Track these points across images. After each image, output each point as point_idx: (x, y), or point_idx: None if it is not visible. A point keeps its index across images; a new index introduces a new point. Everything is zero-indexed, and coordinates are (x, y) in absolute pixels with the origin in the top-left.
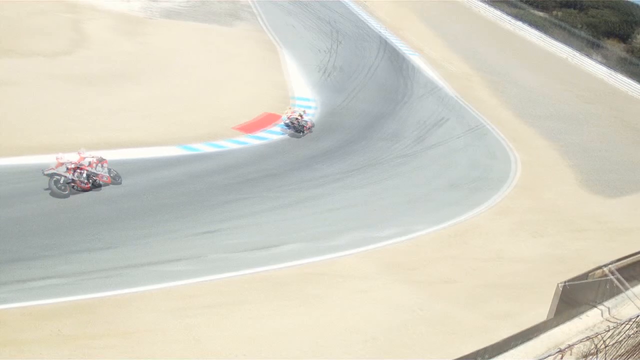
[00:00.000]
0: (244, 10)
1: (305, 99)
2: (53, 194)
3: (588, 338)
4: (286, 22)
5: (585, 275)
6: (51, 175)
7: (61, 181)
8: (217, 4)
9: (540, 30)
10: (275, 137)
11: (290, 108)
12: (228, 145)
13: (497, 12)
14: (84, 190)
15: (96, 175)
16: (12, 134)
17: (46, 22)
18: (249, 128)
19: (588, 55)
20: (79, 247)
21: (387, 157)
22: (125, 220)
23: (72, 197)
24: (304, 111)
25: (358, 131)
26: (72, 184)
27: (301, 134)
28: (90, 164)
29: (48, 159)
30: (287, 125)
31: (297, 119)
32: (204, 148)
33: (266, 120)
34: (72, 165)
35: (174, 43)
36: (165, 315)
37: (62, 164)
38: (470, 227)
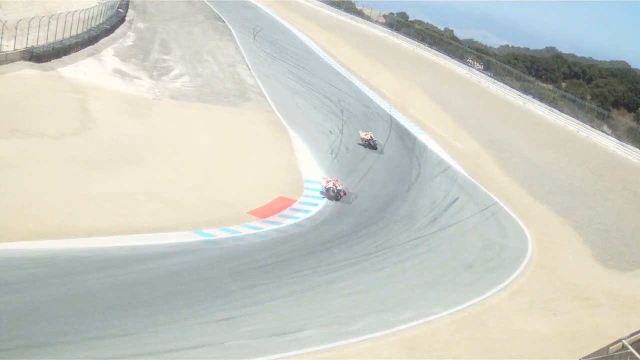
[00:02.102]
0: (251, 91)
1: (317, 181)
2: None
3: None
4: (293, 101)
5: (606, 350)
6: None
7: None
8: (224, 85)
9: (548, 104)
10: (289, 222)
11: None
12: (242, 230)
13: (505, 86)
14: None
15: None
16: (21, 217)
17: (52, 102)
18: (263, 213)
19: (597, 127)
20: (96, 333)
21: (402, 239)
22: (141, 306)
23: (85, 283)
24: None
25: (371, 214)
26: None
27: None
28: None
29: (59, 244)
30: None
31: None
32: (218, 233)
33: (280, 205)
34: None
35: (181, 124)
36: None
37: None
38: (486, 307)
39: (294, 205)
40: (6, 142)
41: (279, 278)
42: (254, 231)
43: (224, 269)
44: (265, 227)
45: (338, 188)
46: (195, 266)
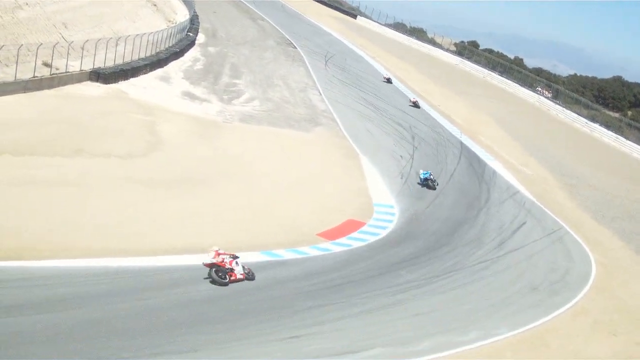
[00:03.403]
0: (322, 115)
1: (387, 205)
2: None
3: None
4: (364, 126)
5: None
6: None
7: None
8: (294, 109)
9: (614, 131)
10: (358, 244)
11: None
12: (311, 252)
13: (572, 115)
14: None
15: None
16: (85, 235)
17: (119, 123)
18: (332, 234)
19: None
20: (159, 349)
21: (469, 262)
22: (207, 324)
23: (150, 300)
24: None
25: (440, 237)
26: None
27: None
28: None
29: (124, 262)
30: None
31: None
32: (287, 254)
33: (349, 227)
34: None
35: (251, 147)
36: None
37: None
38: (549, 329)
39: (364, 228)
40: (71, 161)
41: (347, 298)
42: (323, 253)
43: (291, 288)
44: (334, 249)
45: (227, 267)
46: (263, 285)
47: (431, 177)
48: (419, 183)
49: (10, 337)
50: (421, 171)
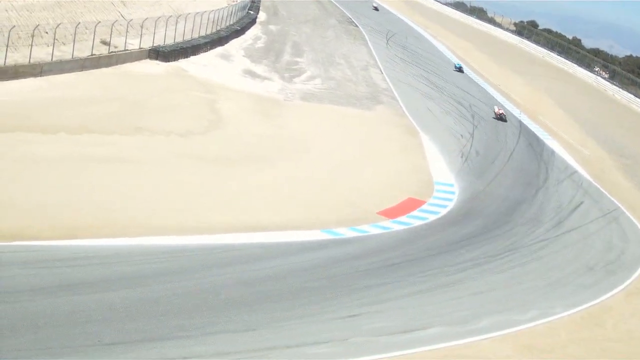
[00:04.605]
0: (383, 94)
1: (447, 183)
2: None
3: None
4: (425, 105)
5: None
6: None
7: None
8: (355, 87)
9: None
10: (418, 223)
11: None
12: (371, 230)
13: (629, 95)
14: None
15: None
16: (144, 213)
17: (180, 100)
18: (393, 213)
19: None
20: (217, 328)
21: (527, 241)
22: (265, 302)
23: (209, 278)
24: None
25: (498, 216)
26: None
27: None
28: None
29: (183, 240)
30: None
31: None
32: (347, 232)
33: (409, 206)
34: None
35: (312, 125)
36: None
37: None
38: (604, 309)
39: (424, 207)
40: (131, 139)
41: (406, 277)
42: (383, 231)
43: (351, 267)
44: (394, 227)
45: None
46: (323, 264)
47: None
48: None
49: (67, 316)
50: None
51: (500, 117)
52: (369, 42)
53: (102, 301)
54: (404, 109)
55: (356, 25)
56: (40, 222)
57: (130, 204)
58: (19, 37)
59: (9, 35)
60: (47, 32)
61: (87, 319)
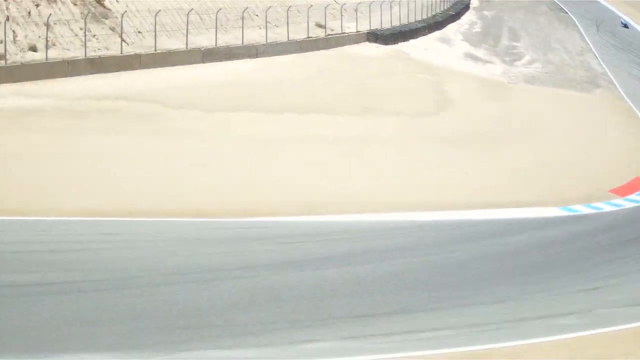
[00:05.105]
0: (601, 78)
1: None
2: None
3: None
4: None
5: None
6: None
7: None
8: (574, 71)
9: None
10: None
11: None
12: (604, 207)
13: None
14: None
15: None
16: (389, 190)
17: (404, 82)
18: (623, 191)
19: None
20: (467, 301)
21: None
22: (511, 276)
23: (456, 252)
24: None
25: None
26: None
27: None
28: None
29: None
30: None
31: None
32: (583, 209)
33: (638, 184)
34: None
35: (537, 107)
36: None
37: None
38: None
39: None
40: (360, 119)
41: None
42: (616, 208)
43: (590, 242)
44: (626, 205)
45: None
46: (563, 239)
47: None
48: None
49: (313, 289)
50: None
51: None
52: (580, 28)
53: (348, 275)
54: (622, 93)
55: (566, 12)
56: (277, 199)
57: (374, 182)
58: (227, 20)
59: (216, 17)
60: (257, 15)
61: (333, 292)
